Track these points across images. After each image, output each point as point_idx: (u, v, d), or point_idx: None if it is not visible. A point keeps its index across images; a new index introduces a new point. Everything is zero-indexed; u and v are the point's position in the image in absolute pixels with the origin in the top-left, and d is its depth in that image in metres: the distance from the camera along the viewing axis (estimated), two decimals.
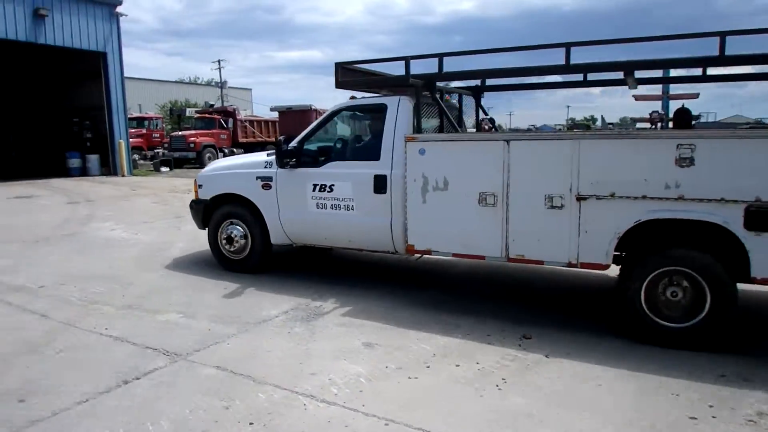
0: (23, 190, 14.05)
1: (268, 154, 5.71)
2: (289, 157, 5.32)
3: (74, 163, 18.96)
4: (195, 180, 6.17)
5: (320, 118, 5.49)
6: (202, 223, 6.07)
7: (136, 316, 4.41)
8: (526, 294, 5.18)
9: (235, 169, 5.90)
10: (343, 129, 6.02)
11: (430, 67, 4.68)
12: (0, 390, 3.16)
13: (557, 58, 4.16)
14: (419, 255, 4.86)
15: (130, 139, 20.67)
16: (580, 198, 3.98)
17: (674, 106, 8.93)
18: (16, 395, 3.08)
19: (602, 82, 5.70)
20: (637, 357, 3.64)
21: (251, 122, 27.25)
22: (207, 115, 26.34)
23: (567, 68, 4.41)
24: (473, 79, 5.00)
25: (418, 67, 4.67)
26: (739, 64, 4.19)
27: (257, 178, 5.58)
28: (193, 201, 6.16)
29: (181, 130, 25.59)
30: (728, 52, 3.86)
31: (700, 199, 3.63)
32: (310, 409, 2.96)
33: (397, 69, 5.07)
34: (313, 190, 5.27)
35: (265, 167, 5.53)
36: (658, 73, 5.57)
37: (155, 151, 24.31)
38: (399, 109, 4.93)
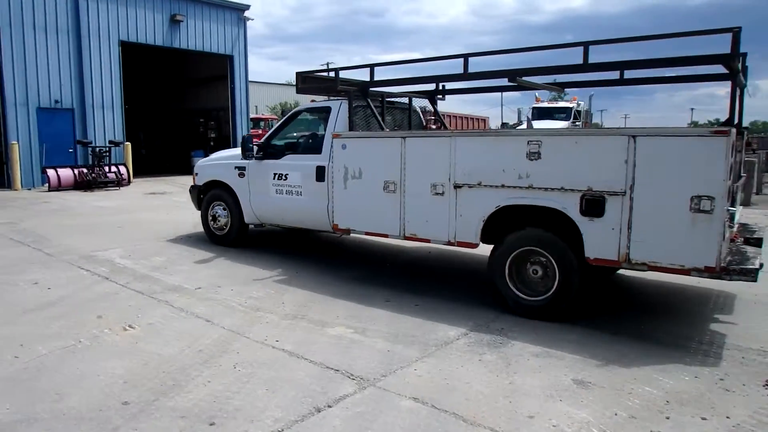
0: (155, 186, 15.13)
1: None
2: (257, 151, 6.38)
3: None
4: (193, 169, 7.45)
5: (283, 119, 6.50)
6: (197, 205, 7.31)
7: (303, 328, 4.15)
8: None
9: (220, 160, 7.08)
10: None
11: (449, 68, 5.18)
12: (187, 405, 2.97)
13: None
14: (342, 233, 5.68)
15: None
16: (456, 186, 4.63)
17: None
18: (206, 416, 2.86)
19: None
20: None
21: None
22: None
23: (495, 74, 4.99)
24: (399, 85, 5.73)
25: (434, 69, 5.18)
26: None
27: (235, 167, 6.71)
28: (191, 186, 7.43)
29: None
30: None
31: (546, 188, 4.17)
32: None
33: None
34: (274, 178, 6.29)
35: (242, 159, 6.64)
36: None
37: None
38: (339, 111, 5.80)
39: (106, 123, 16.58)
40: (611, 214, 3.90)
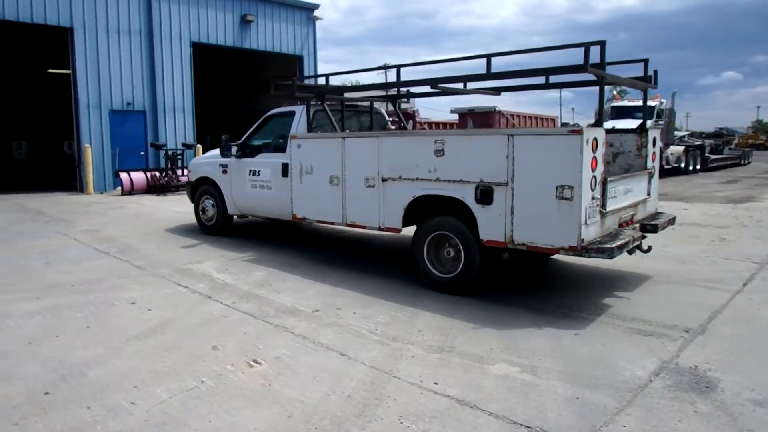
0: None
1: None
2: (236, 150, 7.33)
3: None
4: (188, 167, 8.49)
5: (258, 121, 7.41)
6: (191, 198, 8.35)
7: (458, 365, 3.52)
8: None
9: (209, 159, 8.09)
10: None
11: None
12: None
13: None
14: (299, 221, 6.54)
15: None
16: (383, 179, 5.41)
17: None
18: None
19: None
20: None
21: (430, 124, 26.96)
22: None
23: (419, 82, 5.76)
24: (353, 91, 6.54)
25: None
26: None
27: (219, 165, 7.68)
28: (186, 182, 8.48)
29: None
30: None
31: (449, 180, 4.90)
32: None
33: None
34: (249, 174, 7.22)
35: (224, 157, 7.59)
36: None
37: None
38: (301, 115, 6.67)
39: (177, 125, 16.63)
40: (498, 202, 4.61)
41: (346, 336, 4.06)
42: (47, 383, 3.29)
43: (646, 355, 3.65)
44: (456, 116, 25.64)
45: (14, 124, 23.45)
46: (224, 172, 7.61)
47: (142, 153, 15.86)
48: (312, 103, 6.37)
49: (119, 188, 14.20)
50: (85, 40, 14.45)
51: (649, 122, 24.02)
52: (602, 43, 4.42)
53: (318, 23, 20.13)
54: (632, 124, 19.89)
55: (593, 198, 4.37)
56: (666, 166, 18.68)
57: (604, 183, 4.55)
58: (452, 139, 4.89)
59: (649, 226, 5.25)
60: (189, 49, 16.72)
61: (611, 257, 4.33)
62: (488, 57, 5.05)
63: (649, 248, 5.25)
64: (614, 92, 22.23)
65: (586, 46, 4.23)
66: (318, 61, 20.21)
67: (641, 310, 4.54)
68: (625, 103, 21.55)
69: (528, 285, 5.51)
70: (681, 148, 20.72)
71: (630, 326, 4.19)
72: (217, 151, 8.36)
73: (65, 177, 17.87)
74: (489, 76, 5.05)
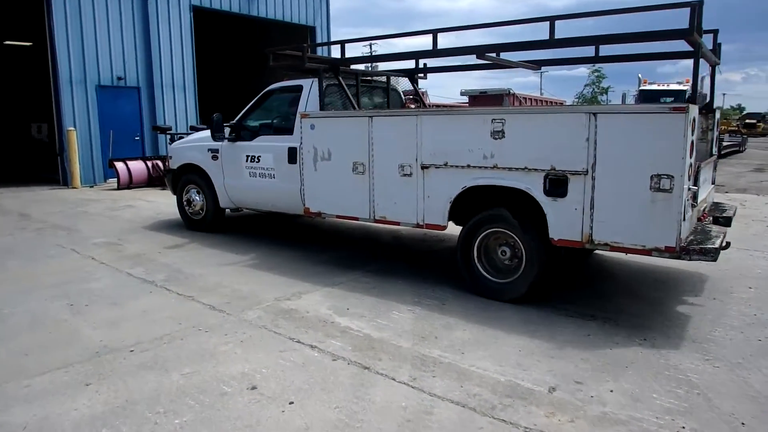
0: None
1: None
2: (229, 132, 6.29)
3: None
4: (167, 152, 7.36)
5: (255, 98, 6.39)
6: (173, 189, 7.25)
7: None
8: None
9: (194, 143, 6.99)
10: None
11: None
12: None
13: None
14: (314, 216, 5.63)
15: None
16: (423, 167, 4.58)
17: None
18: None
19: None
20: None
21: (438, 106, 26.18)
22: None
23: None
24: (372, 62, 5.63)
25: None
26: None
27: (208, 150, 6.62)
28: (165, 170, 7.36)
29: None
30: None
31: (510, 167, 4.12)
32: None
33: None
34: (247, 160, 6.22)
35: (215, 141, 6.54)
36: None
37: None
38: (311, 90, 5.70)
39: (177, 105, 14.14)
40: (574, 194, 3.86)
41: (459, 393, 2.91)
42: None
43: None
44: (466, 99, 24.35)
45: None
46: (215, 158, 6.56)
47: (137, 137, 13.56)
48: (327, 75, 5.42)
49: (113, 180, 12.04)
50: (65, 2, 11.98)
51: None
52: (698, 4, 3.69)
53: None
54: None
55: (689, 189, 3.69)
56: None
57: (698, 171, 3.89)
58: (515, 118, 4.09)
59: (722, 219, 4.65)
60: (189, 14, 14.22)
61: (715, 259, 3.68)
62: (552, 20, 4.24)
63: (728, 244, 4.65)
64: (640, 75, 21.22)
65: (693, 6, 3.50)
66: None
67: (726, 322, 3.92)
68: (655, 87, 20.27)
69: (573, 287, 4.82)
70: None
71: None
72: (201, 134, 7.30)
73: (38, 167, 15.60)
74: (552, 43, 4.27)
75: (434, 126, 4.49)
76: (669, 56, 4.84)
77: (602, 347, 3.56)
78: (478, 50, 4.66)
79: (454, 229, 4.81)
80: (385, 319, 4.05)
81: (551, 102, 28.61)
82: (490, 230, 4.38)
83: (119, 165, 11.83)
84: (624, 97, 25.68)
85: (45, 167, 14.58)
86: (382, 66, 6.09)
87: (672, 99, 20.06)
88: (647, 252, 3.71)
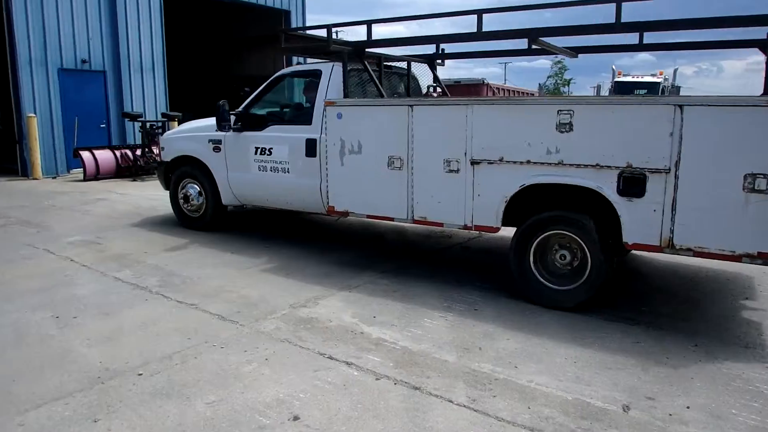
0: None
1: None
2: (234, 122, 5.66)
3: None
4: (159, 143, 6.63)
5: (264, 84, 5.77)
6: (165, 183, 6.54)
7: None
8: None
9: (191, 132, 6.30)
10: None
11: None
12: None
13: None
14: (339, 216, 5.12)
15: None
16: (473, 162, 4.13)
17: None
18: None
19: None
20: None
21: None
22: None
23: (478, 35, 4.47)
24: (401, 45, 5.11)
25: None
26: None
27: (209, 141, 5.96)
28: (156, 162, 6.63)
29: None
30: None
31: (578, 164, 3.73)
32: None
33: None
34: (255, 153, 5.60)
35: (217, 130, 5.89)
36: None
37: None
38: (332, 75, 5.15)
39: (146, 90, 13.28)
40: (653, 194, 3.51)
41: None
42: None
43: None
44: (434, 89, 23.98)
45: None
46: (217, 149, 5.90)
47: (102, 125, 12.59)
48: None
49: (77, 171, 11.19)
50: None
51: None
52: None
53: None
54: None
55: None
56: None
57: None
58: (585, 109, 3.69)
59: None
60: None
61: None
62: (618, 2, 3.85)
63: None
64: (614, 67, 21.00)
65: None
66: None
67: None
68: (629, 78, 20.23)
69: (621, 292, 4.51)
70: None
71: None
72: (197, 122, 6.62)
73: None
74: (618, 27, 3.88)
75: (488, 117, 4.03)
76: (735, 44, 4.55)
77: (657, 355, 3.28)
78: (531, 34, 4.23)
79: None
80: (419, 328, 3.64)
81: (523, 92, 28.60)
82: (550, 233, 3.99)
83: (85, 154, 10.92)
84: (599, 88, 25.61)
85: (1, 156, 13.33)
86: (397, 51, 5.55)
87: (646, 91, 20.30)
88: (736, 258, 3.40)
